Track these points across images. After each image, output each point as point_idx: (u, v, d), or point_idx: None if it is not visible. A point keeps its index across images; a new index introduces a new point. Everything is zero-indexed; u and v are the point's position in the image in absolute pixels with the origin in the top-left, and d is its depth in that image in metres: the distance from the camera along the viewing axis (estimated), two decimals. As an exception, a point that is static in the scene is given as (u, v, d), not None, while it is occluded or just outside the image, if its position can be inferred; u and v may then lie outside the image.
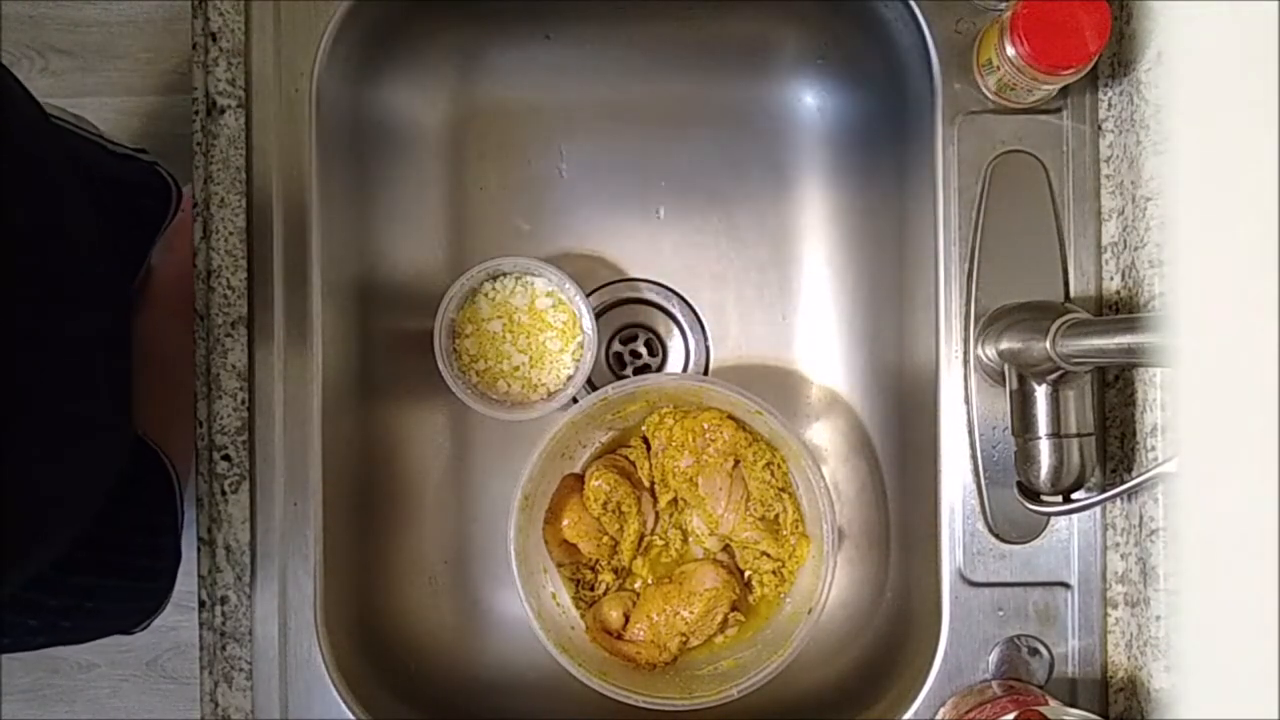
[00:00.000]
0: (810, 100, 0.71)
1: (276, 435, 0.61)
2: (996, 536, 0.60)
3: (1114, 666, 0.59)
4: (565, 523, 0.66)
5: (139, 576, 0.73)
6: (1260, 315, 0.19)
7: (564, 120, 0.72)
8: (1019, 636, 0.59)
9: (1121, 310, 0.58)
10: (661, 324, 0.72)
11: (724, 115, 0.72)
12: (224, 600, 0.61)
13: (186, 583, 0.69)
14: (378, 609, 0.67)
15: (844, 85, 0.70)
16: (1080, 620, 0.59)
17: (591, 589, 0.67)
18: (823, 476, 0.62)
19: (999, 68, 0.56)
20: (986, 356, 0.59)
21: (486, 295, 0.67)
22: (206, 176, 0.61)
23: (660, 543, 0.68)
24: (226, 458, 0.61)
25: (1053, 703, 0.55)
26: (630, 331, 0.72)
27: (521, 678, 0.68)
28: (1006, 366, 0.56)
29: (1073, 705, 0.57)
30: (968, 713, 0.56)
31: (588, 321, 0.66)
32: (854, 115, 0.70)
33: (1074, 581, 0.59)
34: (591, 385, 0.70)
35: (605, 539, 0.66)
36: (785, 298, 0.71)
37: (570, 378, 0.67)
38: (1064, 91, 0.59)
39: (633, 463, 0.67)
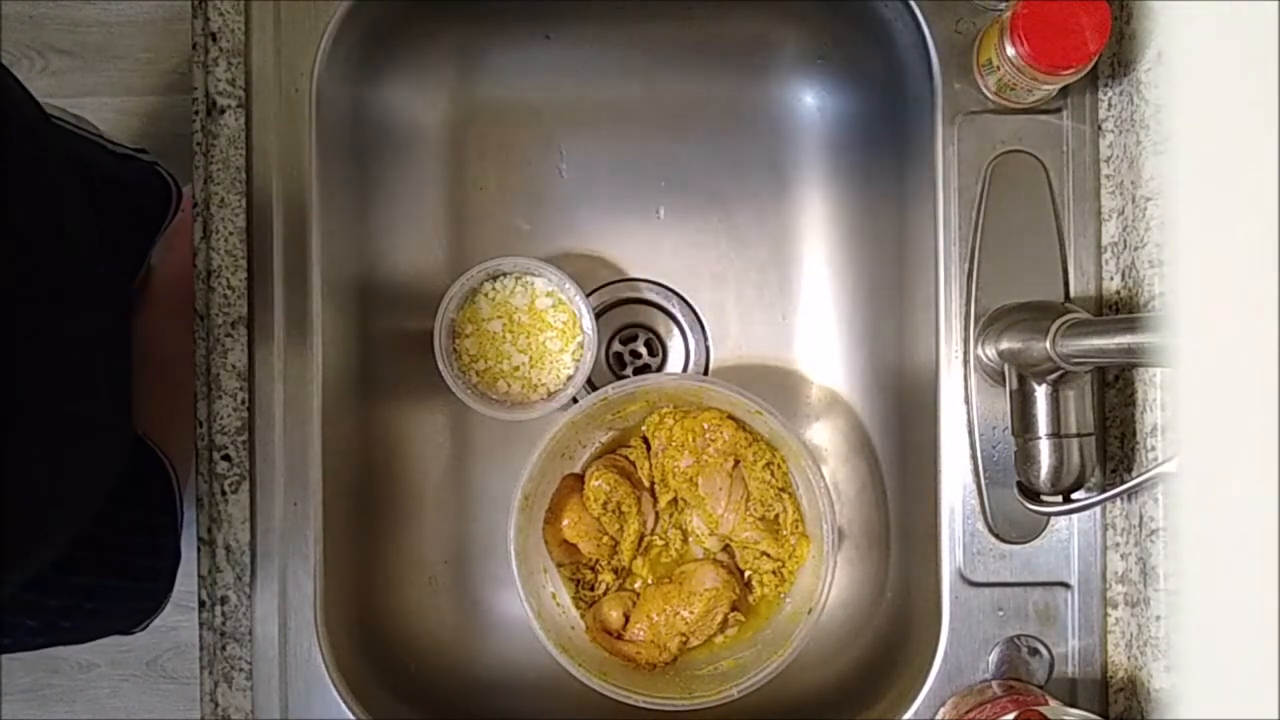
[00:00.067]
0: (810, 100, 0.71)
1: (276, 435, 0.61)
2: (996, 536, 0.60)
3: (1114, 666, 0.59)
4: (565, 523, 0.66)
5: (138, 577, 0.73)
6: (1260, 315, 0.19)
7: (564, 120, 0.72)
8: (1019, 636, 0.59)
9: (1121, 310, 0.58)
10: (661, 324, 0.72)
11: (724, 115, 0.72)
12: (224, 600, 0.61)
13: (186, 583, 0.69)
14: (378, 609, 0.67)
15: (844, 85, 0.70)
16: (1080, 620, 0.59)
17: (591, 589, 0.67)
18: (823, 476, 0.62)
19: (999, 68, 0.56)
20: (986, 356, 0.59)
21: (486, 295, 0.67)
22: (206, 176, 0.61)
23: (660, 543, 0.68)
24: (226, 458, 0.61)
25: (1053, 703, 0.55)
26: (630, 331, 0.72)
27: (521, 678, 0.68)
28: (1006, 366, 0.56)
29: (1073, 705, 0.57)
30: (968, 713, 0.56)
31: (588, 321, 0.66)
32: (854, 115, 0.70)
33: (1074, 581, 0.59)
34: (591, 385, 0.70)
35: (605, 539, 0.66)
36: (785, 298, 0.71)
37: (570, 378, 0.67)
38: (1064, 91, 0.59)
39: (633, 463, 0.67)
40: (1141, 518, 0.57)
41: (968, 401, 0.60)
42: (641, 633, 0.64)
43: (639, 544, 0.67)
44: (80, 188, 0.62)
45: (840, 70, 0.70)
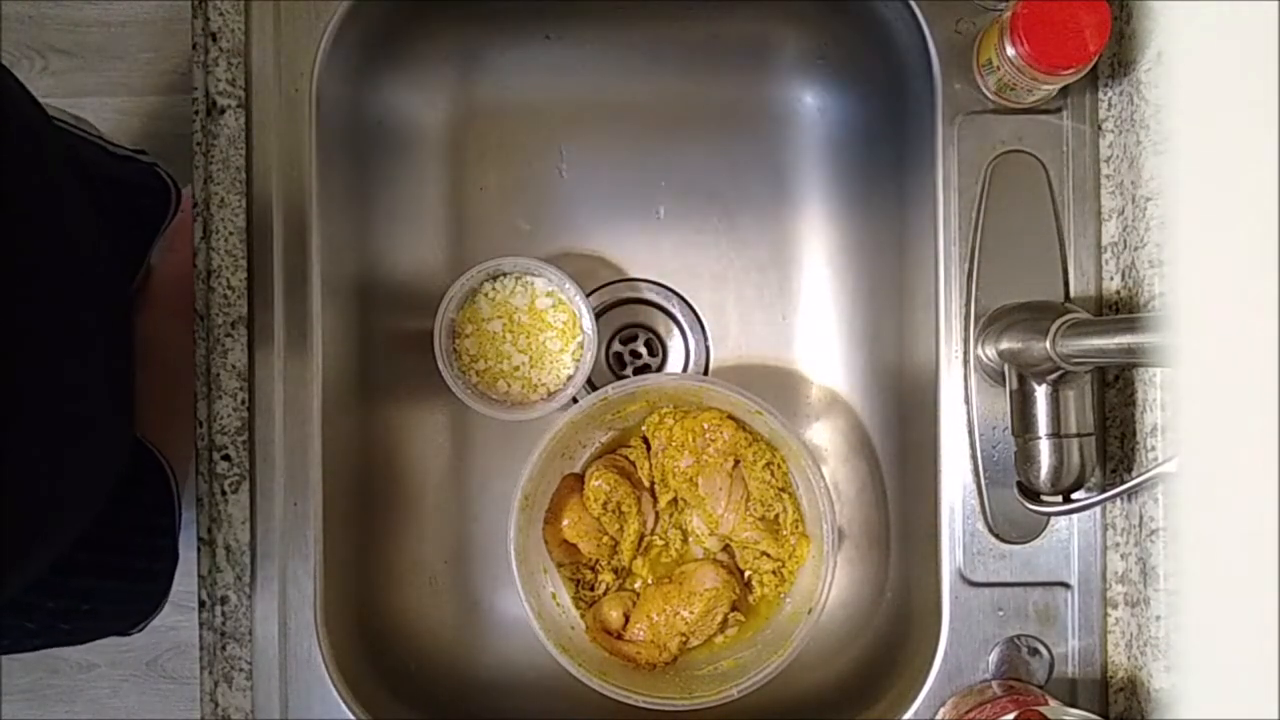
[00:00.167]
0: (810, 100, 0.71)
1: (276, 435, 0.61)
2: (996, 536, 0.60)
3: (1114, 666, 0.59)
4: (565, 523, 0.66)
5: (137, 578, 0.73)
6: (1260, 315, 0.19)
7: (564, 120, 0.72)
8: (1019, 636, 0.59)
9: (1121, 310, 0.58)
10: (661, 324, 0.72)
11: (724, 115, 0.72)
12: (224, 600, 0.61)
13: (186, 583, 0.69)
14: (378, 609, 0.67)
15: (844, 85, 0.70)
16: (1080, 620, 0.59)
17: (591, 589, 0.67)
18: (823, 476, 0.62)
19: (999, 68, 0.56)
20: (986, 356, 0.59)
21: (486, 295, 0.67)
22: (206, 176, 0.61)
23: (660, 543, 0.68)
24: (226, 458, 0.61)
25: (1053, 703, 0.55)
26: (630, 331, 0.72)
27: (521, 678, 0.68)
28: (1006, 366, 0.56)
29: (1073, 705, 0.57)
30: (968, 713, 0.56)
31: (588, 321, 0.66)
32: (854, 115, 0.70)
33: (1074, 581, 0.59)
34: (591, 385, 0.70)
35: (605, 539, 0.66)
36: (785, 298, 0.71)
37: (570, 378, 0.67)
38: (1064, 91, 0.59)
39: (633, 463, 0.67)
40: (1141, 518, 0.57)
41: (968, 401, 0.60)
42: (641, 633, 0.64)
43: (639, 544, 0.67)
44: (80, 188, 0.62)
45: (840, 70, 0.70)
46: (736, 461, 0.65)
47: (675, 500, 0.67)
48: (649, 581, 0.67)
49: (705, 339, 0.72)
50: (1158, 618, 0.55)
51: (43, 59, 1.10)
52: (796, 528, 0.65)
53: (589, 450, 0.68)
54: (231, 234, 0.61)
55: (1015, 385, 0.55)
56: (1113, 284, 0.59)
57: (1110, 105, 0.59)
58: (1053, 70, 0.53)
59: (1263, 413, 0.19)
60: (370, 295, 0.68)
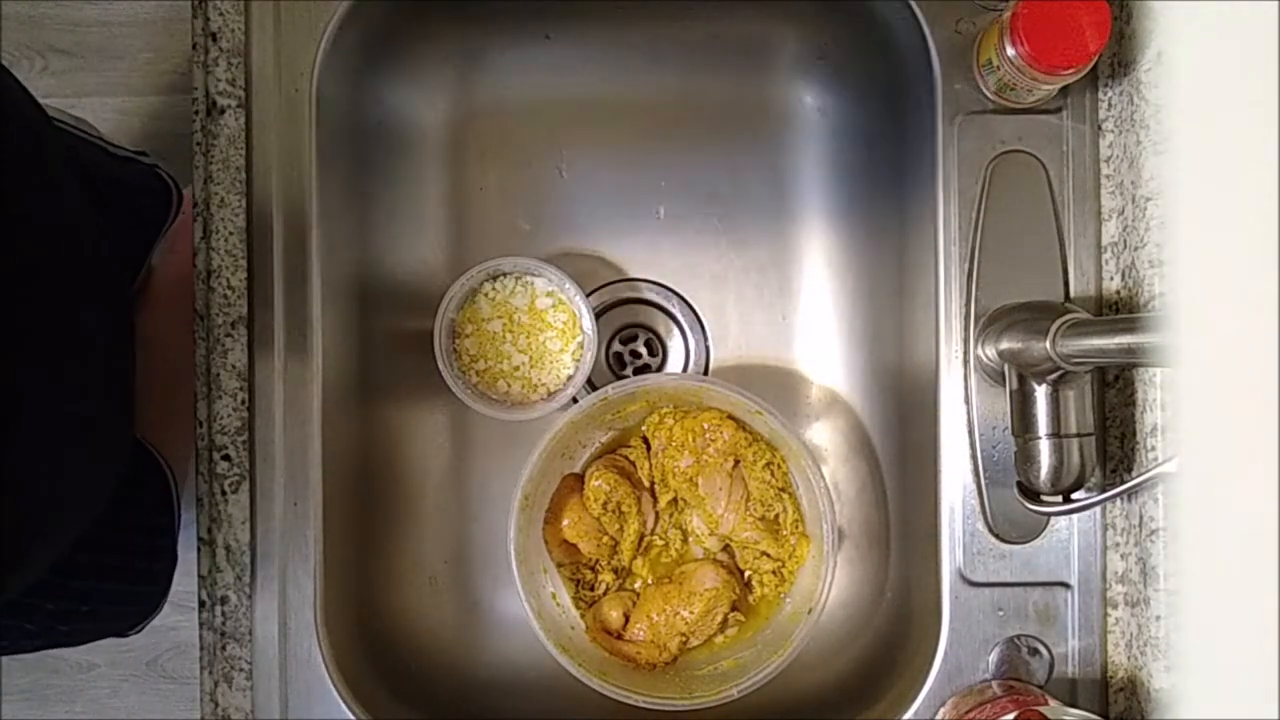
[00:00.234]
0: (810, 100, 0.71)
1: (276, 435, 0.61)
2: (996, 536, 0.60)
3: (1114, 666, 0.59)
4: (565, 523, 0.66)
5: (136, 579, 0.73)
6: (1260, 315, 0.19)
7: (564, 120, 0.72)
8: (1019, 636, 0.59)
9: (1121, 310, 0.58)
10: (661, 324, 0.72)
11: (724, 115, 0.72)
12: (224, 600, 0.61)
13: (186, 583, 0.69)
14: (378, 609, 0.67)
15: (844, 85, 0.70)
16: (1080, 620, 0.59)
17: (591, 589, 0.67)
18: (823, 476, 0.62)
19: (999, 68, 0.56)
20: (986, 356, 0.59)
21: (486, 295, 0.67)
22: (206, 176, 0.61)
23: (660, 543, 0.68)
24: (226, 458, 0.61)
25: (1053, 703, 0.55)
26: (630, 331, 0.72)
27: (521, 678, 0.68)
28: (1006, 366, 0.56)
29: (1073, 705, 0.57)
30: (968, 713, 0.56)
31: (588, 321, 0.66)
32: (854, 115, 0.70)
33: (1074, 581, 0.59)
34: (591, 385, 0.70)
35: (605, 539, 0.66)
36: (785, 298, 0.71)
37: (570, 378, 0.67)
38: (1064, 91, 0.59)
39: (633, 463, 0.67)
40: (1141, 518, 0.57)
41: (968, 401, 0.60)
42: (641, 633, 0.64)
43: (639, 544, 0.67)
44: (80, 188, 0.62)
45: (840, 70, 0.70)
46: (736, 461, 0.65)
47: (675, 500, 0.67)
48: (649, 581, 0.67)
49: (705, 339, 0.72)
50: (1158, 618, 0.55)
51: (43, 59, 1.10)
52: (796, 528, 0.65)
53: (589, 450, 0.68)
54: (231, 234, 0.61)
55: (1015, 385, 0.55)
56: (1113, 284, 0.59)
57: (1110, 105, 0.59)
58: (1053, 70, 0.53)
59: (1263, 413, 0.19)
60: (370, 295, 0.68)
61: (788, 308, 0.71)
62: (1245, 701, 0.20)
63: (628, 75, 0.72)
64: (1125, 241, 0.58)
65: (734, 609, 0.65)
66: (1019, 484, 0.56)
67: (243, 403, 0.61)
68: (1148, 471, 0.50)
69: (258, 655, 0.60)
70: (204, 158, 0.61)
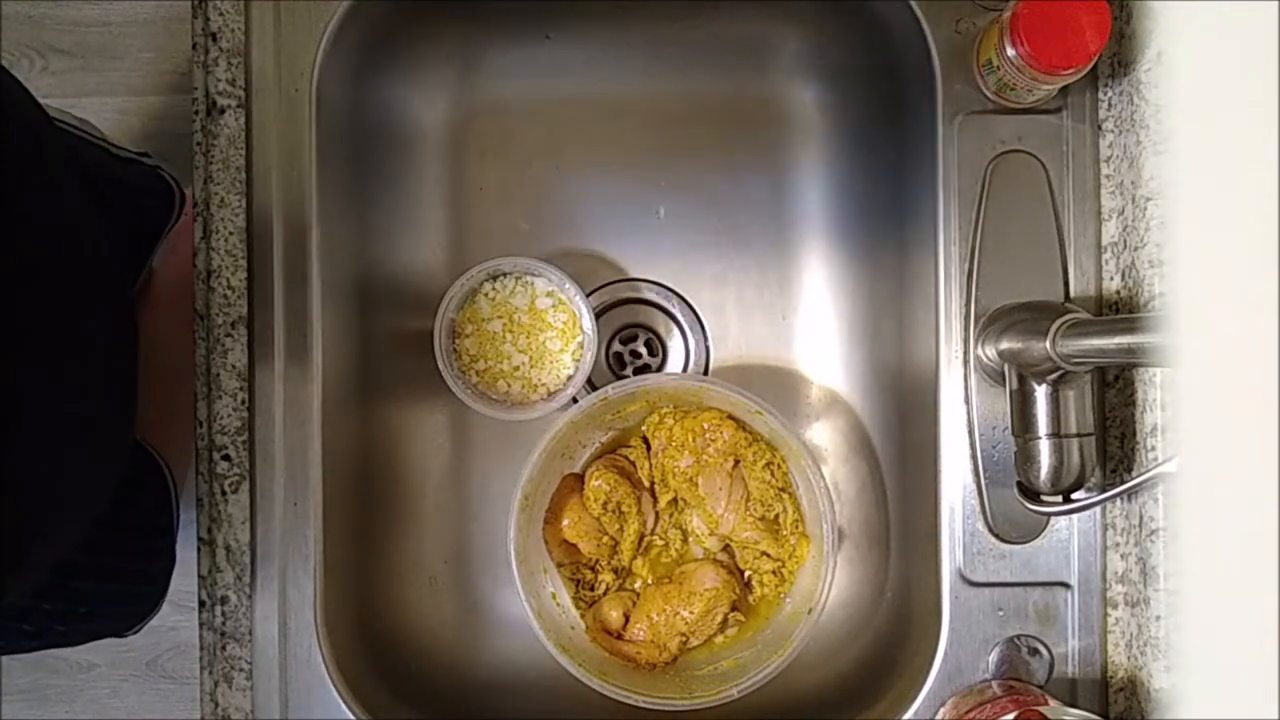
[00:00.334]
0: (810, 100, 0.71)
1: (276, 435, 0.61)
2: (996, 536, 0.60)
3: (1114, 666, 0.59)
4: (565, 523, 0.66)
5: (135, 580, 0.73)
6: (1260, 315, 0.19)
7: (564, 120, 0.72)
8: (1019, 636, 0.59)
9: (1121, 310, 0.58)
10: (661, 324, 0.72)
11: (724, 115, 0.72)
12: (224, 600, 0.61)
13: (186, 583, 0.69)
14: (378, 609, 0.67)
15: (844, 85, 0.70)
16: (1080, 620, 0.59)
17: (591, 589, 0.67)
18: (823, 476, 0.62)
19: (999, 68, 0.56)
20: (986, 356, 0.59)
21: (486, 295, 0.67)
22: (206, 176, 0.61)
23: (660, 543, 0.68)
24: (226, 458, 0.61)
25: (1053, 703, 0.55)
26: (630, 331, 0.72)
27: (521, 678, 0.68)
28: (1006, 366, 0.56)
29: (1073, 705, 0.57)
30: (968, 713, 0.56)
31: (588, 321, 0.66)
32: (854, 115, 0.70)
33: (1074, 581, 0.59)
34: (591, 385, 0.70)
35: (605, 539, 0.66)
36: (785, 298, 0.71)
37: (570, 378, 0.67)
38: (1064, 91, 0.59)
39: (633, 463, 0.67)
40: (1141, 518, 0.57)
41: (968, 401, 0.60)
42: (641, 633, 0.64)
43: (639, 544, 0.67)
44: (81, 189, 0.62)
45: (840, 70, 0.70)
46: (736, 461, 0.65)
47: (675, 500, 0.67)
48: (649, 581, 0.67)
49: (705, 339, 0.72)
50: (1158, 618, 0.55)
51: (43, 59, 1.10)
52: (796, 528, 0.65)
53: (589, 450, 0.68)
54: (231, 234, 0.61)
55: (1015, 385, 0.55)
56: (1113, 284, 0.59)
57: (1110, 105, 0.59)
58: (1053, 70, 0.53)
59: (1263, 413, 0.19)
60: (370, 295, 0.68)
61: (788, 308, 0.71)
62: (1245, 701, 0.20)
63: (628, 75, 0.72)
64: (1125, 241, 0.58)
65: (734, 609, 0.65)
66: (1019, 484, 0.56)
67: (243, 403, 0.61)
68: (1148, 471, 0.50)
69: (258, 655, 0.60)
70: (204, 158, 0.61)
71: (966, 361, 0.60)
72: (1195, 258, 0.21)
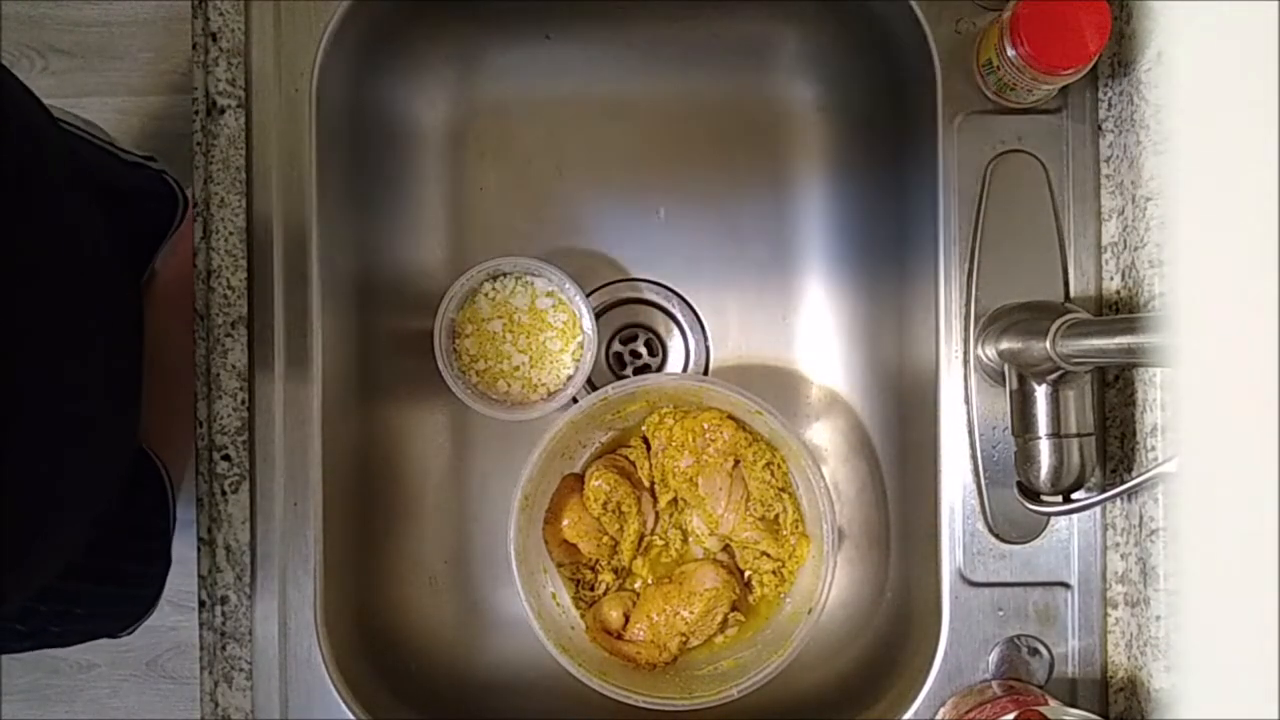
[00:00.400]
0: (810, 100, 0.71)
1: (276, 435, 0.61)
2: (996, 536, 0.60)
3: (1114, 666, 0.59)
4: (565, 523, 0.66)
5: (131, 582, 0.73)
6: (1260, 315, 0.19)
7: (564, 120, 0.72)
8: (1019, 636, 0.59)
9: (1121, 310, 0.58)
10: (661, 324, 0.72)
11: (724, 115, 0.72)
12: (224, 600, 0.61)
13: (186, 583, 0.69)
14: (378, 609, 0.67)
15: (844, 85, 0.70)
16: (1080, 620, 0.59)
17: (591, 589, 0.67)
18: (823, 476, 0.62)
19: (999, 68, 0.56)
20: (986, 356, 0.59)
21: (486, 295, 0.67)
22: (206, 176, 0.61)
23: (660, 543, 0.68)
24: (226, 458, 0.61)
25: (1053, 703, 0.55)
26: (630, 331, 0.72)
27: (521, 678, 0.68)
28: (1006, 366, 0.56)
29: (1073, 705, 0.57)
30: (968, 713, 0.56)
31: (588, 321, 0.66)
32: (854, 115, 0.70)
33: (1074, 581, 0.59)
34: (591, 385, 0.70)
35: (605, 539, 0.66)
36: (785, 298, 0.71)
37: (570, 378, 0.67)
38: (1064, 91, 0.59)
39: (633, 463, 0.67)
40: (1141, 518, 0.57)
41: (968, 401, 0.60)
42: (641, 633, 0.64)
43: (639, 544, 0.67)
44: (83, 189, 0.62)
45: (840, 70, 0.70)
46: (736, 461, 0.65)
47: (675, 500, 0.67)
48: (649, 581, 0.67)
49: (705, 339, 0.72)
50: (1158, 618, 0.55)
51: (43, 59, 1.10)
52: (796, 528, 0.65)
53: (589, 450, 0.68)
54: (231, 234, 0.61)
55: (1015, 385, 0.55)
56: (1113, 284, 0.59)
57: (1110, 105, 0.59)
58: (1053, 70, 0.53)
59: (1263, 413, 0.19)
60: (370, 295, 0.68)
61: (788, 308, 0.71)
62: (1245, 701, 0.20)
63: (628, 75, 0.72)
64: (1125, 241, 0.58)
65: (734, 609, 0.65)
66: (1019, 484, 0.56)
67: (243, 403, 0.61)
68: (1148, 471, 0.50)
69: (258, 655, 0.60)
70: (204, 158, 0.61)
71: (966, 361, 0.60)
72: (1195, 258, 0.21)
